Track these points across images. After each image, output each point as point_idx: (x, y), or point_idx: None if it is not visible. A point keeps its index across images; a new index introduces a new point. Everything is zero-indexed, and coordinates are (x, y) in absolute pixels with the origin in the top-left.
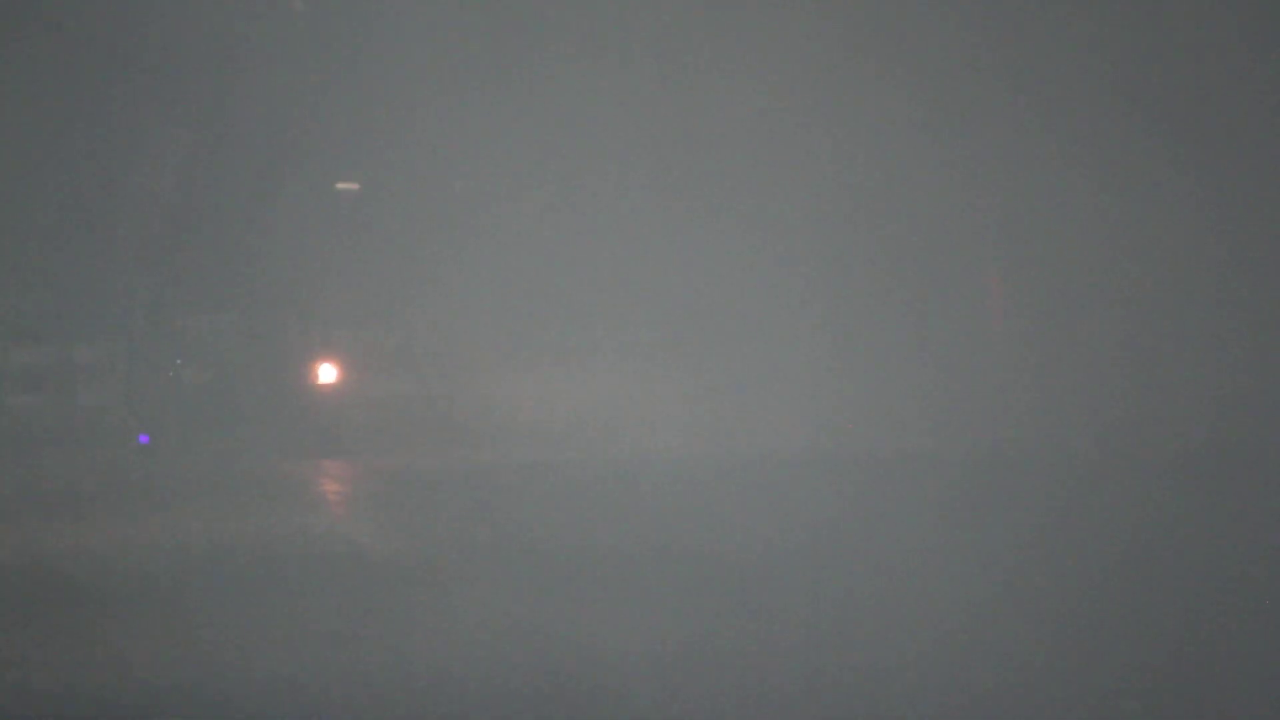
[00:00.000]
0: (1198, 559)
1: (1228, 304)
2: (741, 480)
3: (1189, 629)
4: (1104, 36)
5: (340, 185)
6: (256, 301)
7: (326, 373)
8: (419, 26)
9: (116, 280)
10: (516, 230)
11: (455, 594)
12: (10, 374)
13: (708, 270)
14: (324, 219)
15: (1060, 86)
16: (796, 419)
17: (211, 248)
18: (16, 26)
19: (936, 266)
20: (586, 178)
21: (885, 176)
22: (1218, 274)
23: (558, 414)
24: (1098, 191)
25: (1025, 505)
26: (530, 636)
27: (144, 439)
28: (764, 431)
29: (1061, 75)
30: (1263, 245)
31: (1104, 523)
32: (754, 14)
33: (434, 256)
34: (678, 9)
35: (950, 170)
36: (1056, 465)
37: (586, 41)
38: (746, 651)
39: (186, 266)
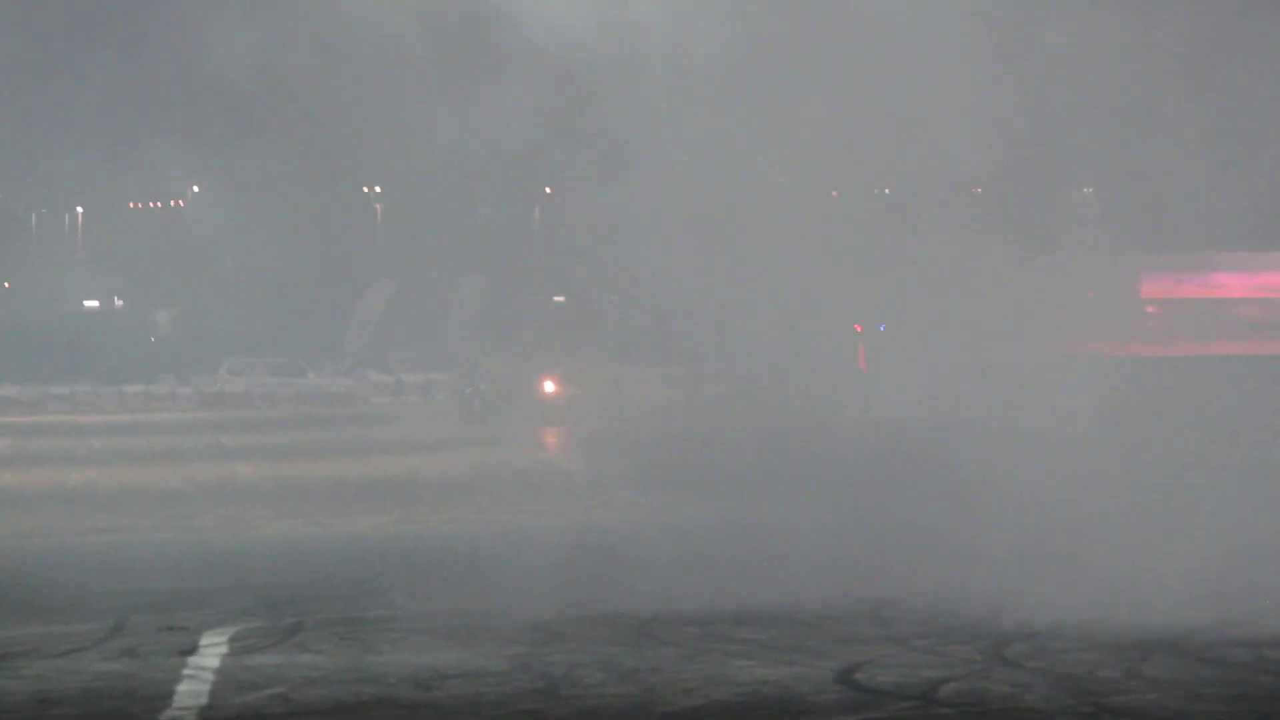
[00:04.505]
0: None
1: None
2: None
3: None
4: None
5: (556, 300)
6: (516, 352)
7: (549, 385)
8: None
9: (456, 343)
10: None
11: (618, 495)
12: (407, 386)
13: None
14: (547, 313)
15: None
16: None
17: (496, 329)
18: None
19: None
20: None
21: None
22: None
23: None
24: None
25: None
26: (674, 521)
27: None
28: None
29: None
30: None
31: None
32: None
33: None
34: None
35: None
36: None
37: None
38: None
39: (484, 336)
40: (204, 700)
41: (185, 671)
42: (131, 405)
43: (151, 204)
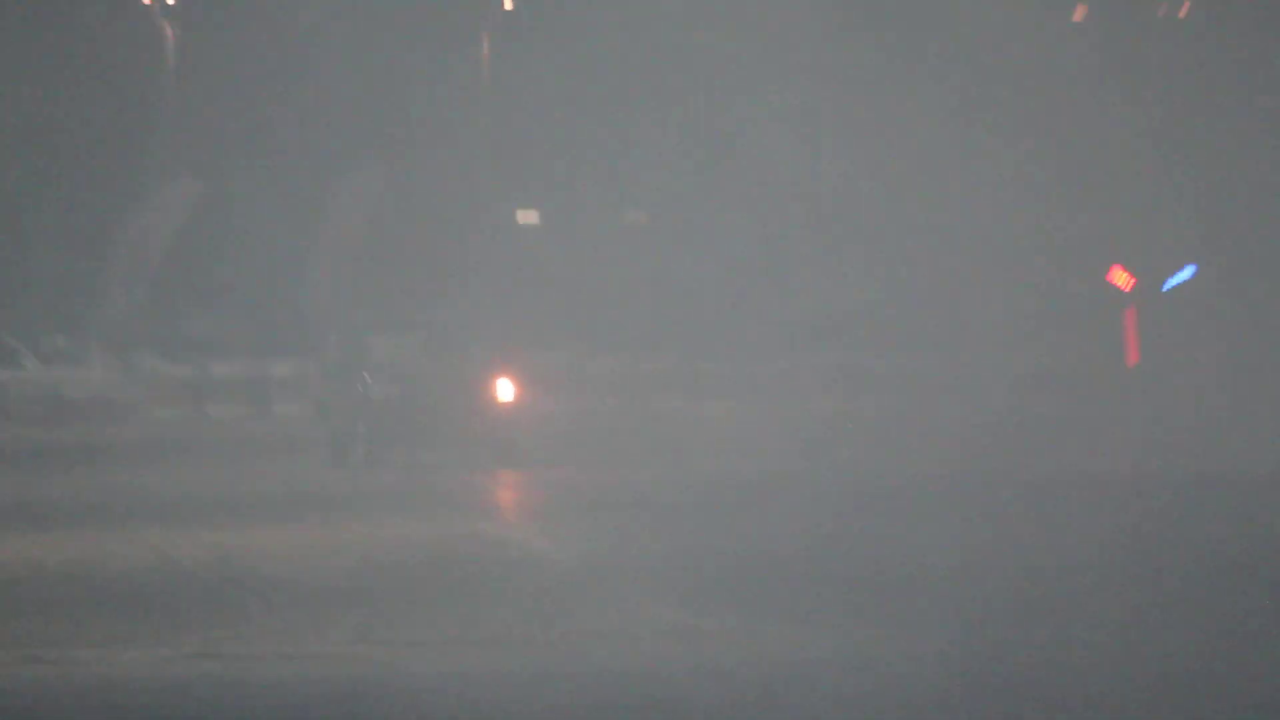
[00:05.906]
0: None
1: None
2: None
3: None
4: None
5: (521, 217)
6: (439, 323)
7: (504, 389)
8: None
9: (311, 303)
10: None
11: (617, 595)
12: (217, 387)
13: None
14: (503, 247)
15: None
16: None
17: (399, 273)
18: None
19: None
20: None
21: None
22: None
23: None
24: None
25: None
26: (687, 636)
27: None
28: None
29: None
30: None
31: None
32: None
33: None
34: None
35: None
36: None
37: None
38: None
39: (374, 290)
40: None
41: None
42: None
43: None
